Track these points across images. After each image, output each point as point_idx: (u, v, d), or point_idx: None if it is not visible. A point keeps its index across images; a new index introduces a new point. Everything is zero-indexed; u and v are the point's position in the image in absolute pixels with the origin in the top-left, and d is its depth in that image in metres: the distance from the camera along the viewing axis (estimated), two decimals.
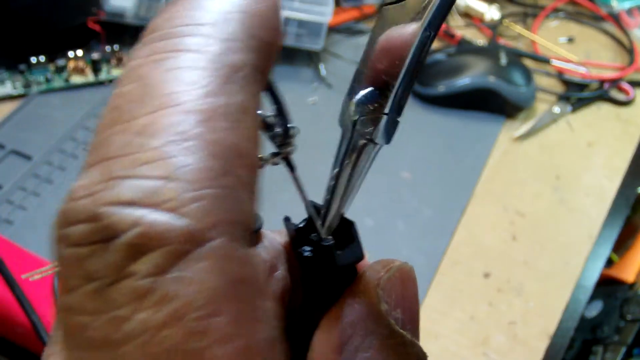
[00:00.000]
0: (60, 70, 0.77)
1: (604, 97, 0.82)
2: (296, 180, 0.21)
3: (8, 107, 0.74)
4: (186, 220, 0.14)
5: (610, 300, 0.69)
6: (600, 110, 0.81)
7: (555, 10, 0.93)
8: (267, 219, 0.20)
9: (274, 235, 0.22)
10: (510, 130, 0.77)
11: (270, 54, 0.17)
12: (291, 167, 0.21)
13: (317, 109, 0.75)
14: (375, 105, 0.19)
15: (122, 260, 0.14)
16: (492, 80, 0.77)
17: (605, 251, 0.68)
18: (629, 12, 0.92)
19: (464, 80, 0.77)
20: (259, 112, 0.17)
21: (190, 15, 0.16)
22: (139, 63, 0.16)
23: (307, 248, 0.21)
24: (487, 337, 0.60)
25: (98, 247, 0.14)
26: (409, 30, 0.18)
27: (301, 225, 0.22)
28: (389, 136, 0.19)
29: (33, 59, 0.76)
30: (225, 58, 0.16)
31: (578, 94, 0.81)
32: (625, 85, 0.83)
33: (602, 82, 0.83)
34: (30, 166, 0.69)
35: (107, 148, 0.15)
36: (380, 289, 0.19)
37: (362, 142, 0.20)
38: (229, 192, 0.15)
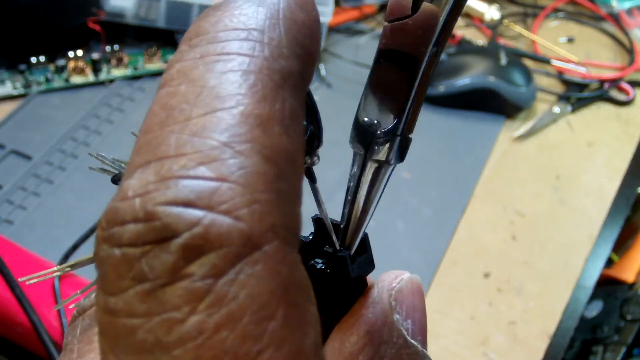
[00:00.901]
0: (60, 70, 0.77)
1: (604, 97, 0.82)
2: (316, 192, 0.21)
3: (8, 107, 0.74)
4: (243, 223, 0.14)
5: (610, 300, 0.69)
6: (600, 110, 0.81)
7: (555, 10, 0.93)
8: None
9: None
10: (510, 130, 0.77)
11: (313, 63, 0.17)
12: (312, 178, 0.21)
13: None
14: (387, 126, 0.19)
15: (179, 261, 0.14)
16: (492, 80, 0.77)
17: (605, 251, 0.68)
18: (629, 12, 0.92)
19: (464, 80, 0.77)
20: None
21: (238, 20, 0.16)
22: (190, 65, 0.16)
23: (319, 260, 0.21)
24: (487, 337, 0.60)
25: (153, 248, 0.14)
26: (415, 44, 0.18)
27: (311, 237, 0.22)
28: (402, 156, 0.20)
29: (33, 59, 0.76)
30: (276, 64, 0.16)
31: (578, 94, 0.81)
32: (625, 85, 0.83)
33: (602, 82, 0.83)
34: (30, 166, 0.69)
35: (161, 147, 0.15)
36: (393, 299, 0.19)
37: (375, 163, 0.20)
38: (282, 197, 0.15)
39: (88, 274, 0.58)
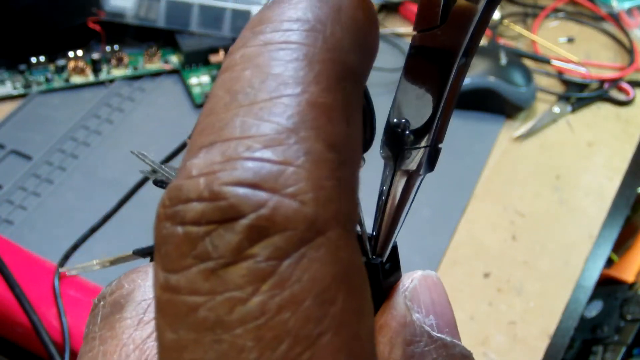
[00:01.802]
0: (60, 70, 0.77)
1: (604, 97, 0.82)
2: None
3: (8, 107, 0.74)
4: (308, 207, 0.14)
5: (610, 300, 0.69)
6: (600, 110, 0.81)
7: (555, 10, 0.93)
8: None
9: None
10: (510, 130, 0.77)
11: (371, 62, 0.18)
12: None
13: None
14: (417, 137, 0.19)
15: (244, 241, 0.14)
16: (492, 80, 0.77)
17: (605, 251, 0.68)
18: (629, 12, 0.92)
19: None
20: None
21: (301, 13, 0.17)
22: (255, 51, 0.16)
23: None
24: (487, 337, 0.60)
25: (217, 227, 0.14)
26: (444, 56, 0.18)
27: None
28: (432, 166, 0.20)
29: (33, 59, 0.76)
30: (339, 57, 0.16)
31: (578, 94, 0.81)
32: (625, 85, 0.83)
33: (602, 82, 0.83)
34: (30, 166, 0.69)
35: (226, 129, 0.15)
36: (408, 300, 0.20)
37: (406, 174, 0.20)
38: (344, 185, 0.15)
39: (88, 274, 0.58)
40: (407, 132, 0.20)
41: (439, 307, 0.20)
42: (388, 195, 0.21)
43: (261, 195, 0.14)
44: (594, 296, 0.66)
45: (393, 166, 0.20)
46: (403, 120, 0.20)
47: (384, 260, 0.21)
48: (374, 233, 0.21)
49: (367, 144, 0.20)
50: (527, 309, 0.62)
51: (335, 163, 0.15)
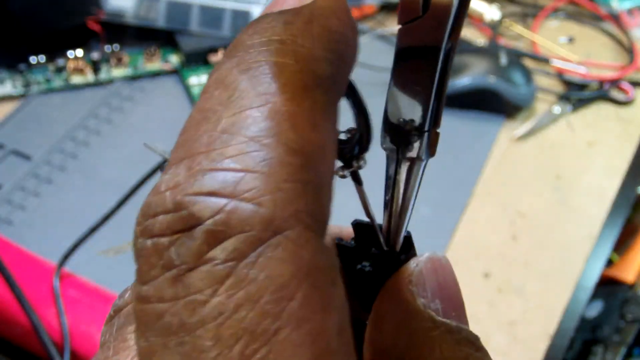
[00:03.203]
0: (60, 70, 0.77)
1: (604, 97, 0.82)
2: (362, 195, 0.21)
3: (8, 107, 0.74)
4: (265, 208, 0.14)
5: (611, 300, 0.69)
6: (600, 110, 0.81)
7: (555, 10, 0.93)
8: None
9: None
10: (510, 130, 0.77)
11: (347, 67, 0.18)
12: (359, 181, 0.21)
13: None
14: (414, 124, 0.20)
15: (203, 246, 0.14)
16: (492, 80, 0.77)
17: (605, 251, 0.68)
18: (629, 12, 0.92)
19: (464, 80, 0.77)
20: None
21: (273, 30, 0.17)
22: (225, 73, 0.17)
23: (366, 263, 0.21)
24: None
25: (180, 236, 0.15)
26: (430, 42, 0.19)
27: (355, 244, 0.22)
28: (432, 151, 0.20)
29: (33, 59, 0.76)
30: (306, 68, 0.17)
31: (578, 94, 0.81)
32: (625, 85, 0.83)
33: (602, 82, 0.83)
34: (30, 166, 0.69)
35: (193, 145, 0.16)
36: (412, 285, 0.20)
37: (408, 161, 0.20)
38: (307, 187, 0.15)
39: (89, 274, 0.58)
40: (405, 120, 0.20)
41: (445, 290, 0.20)
42: (394, 185, 0.21)
43: (219, 201, 0.15)
44: (594, 296, 0.66)
45: (396, 157, 0.21)
46: (402, 120, 0.20)
47: (398, 250, 0.21)
48: (386, 224, 0.22)
49: (365, 144, 0.20)
50: (527, 309, 0.62)
51: (297, 166, 0.15)
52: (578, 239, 0.68)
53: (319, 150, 0.16)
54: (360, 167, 0.20)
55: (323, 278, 0.15)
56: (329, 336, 0.14)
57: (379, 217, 0.22)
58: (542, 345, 0.60)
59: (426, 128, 0.20)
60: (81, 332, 0.54)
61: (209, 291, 0.14)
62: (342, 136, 0.20)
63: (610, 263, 0.73)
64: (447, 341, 0.19)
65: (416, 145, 0.20)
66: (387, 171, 0.21)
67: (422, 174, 0.21)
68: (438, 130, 0.20)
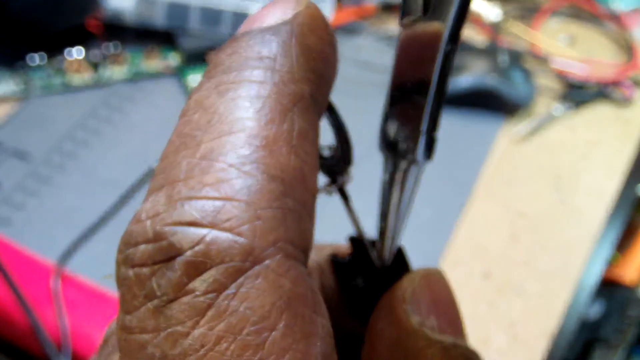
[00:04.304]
0: (60, 70, 0.77)
1: (604, 97, 0.82)
2: (350, 210, 0.21)
3: (8, 107, 0.74)
4: (244, 238, 0.14)
5: (611, 300, 0.69)
6: (600, 110, 0.81)
7: (555, 10, 0.93)
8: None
9: None
10: (510, 130, 0.77)
11: (327, 85, 0.18)
12: (345, 197, 0.21)
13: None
14: (411, 127, 0.19)
15: (183, 277, 0.14)
16: (492, 81, 0.76)
17: (606, 251, 0.68)
18: (629, 12, 0.92)
19: (464, 81, 0.77)
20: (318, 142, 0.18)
21: (252, 50, 0.17)
22: (204, 95, 0.17)
23: (360, 280, 0.21)
24: (487, 337, 0.60)
25: (161, 266, 0.15)
26: (431, 45, 0.19)
27: (349, 259, 0.22)
28: (429, 153, 0.20)
29: (33, 59, 0.76)
30: (285, 88, 0.17)
31: (578, 94, 0.81)
32: (625, 85, 0.83)
33: (602, 82, 0.83)
34: (30, 166, 0.69)
35: (172, 172, 0.16)
36: (407, 304, 0.19)
37: (404, 164, 0.20)
38: (287, 213, 0.15)
39: (89, 274, 0.58)
40: (402, 126, 0.20)
41: (440, 305, 0.20)
42: (390, 191, 0.21)
43: (198, 232, 0.14)
44: (594, 296, 0.66)
45: (392, 161, 0.20)
46: (399, 122, 0.20)
47: (390, 264, 0.21)
48: (379, 237, 0.21)
49: (347, 158, 0.20)
50: (527, 309, 0.62)
51: (278, 193, 0.15)
52: (578, 239, 0.68)
53: (299, 175, 0.16)
54: (345, 182, 0.20)
55: (305, 306, 0.15)
56: None
57: (372, 230, 0.22)
58: (542, 345, 0.60)
59: (423, 130, 0.19)
60: (81, 332, 0.54)
61: (190, 323, 0.14)
62: (325, 152, 0.20)
63: (610, 263, 0.73)
64: (444, 359, 0.19)
65: (413, 149, 0.20)
66: (383, 177, 0.21)
67: (419, 179, 0.20)
68: (436, 134, 0.20)
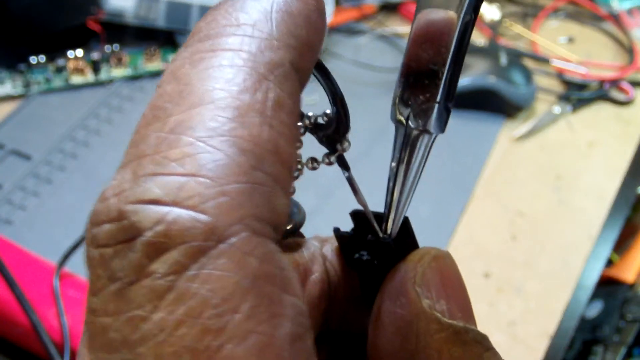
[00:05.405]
0: (60, 70, 0.77)
1: (604, 97, 0.82)
2: (351, 180, 0.21)
3: (8, 107, 0.74)
4: (207, 216, 0.14)
5: (611, 300, 0.69)
6: (600, 110, 0.81)
7: (555, 10, 0.93)
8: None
9: (312, 240, 0.22)
10: (510, 130, 0.77)
11: (311, 52, 0.17)
12: (346, 166, 0.20)
13: (317, 109, 0.75)
14: (426, 95, 0.19)
15: (143, 259, 0.14)
16: (492, 80, 0.76)
17: (605, 251, 0.68)
18: (629, 12, 0.92)
19: (464, 80, 0.77)
20: (309, 113, 0.18)
21: (231, 17, 0.16)
22: (179, 64, 0.16)
23: (364, 252, 0.21)
24: None
25: (123, 247, 0.14)
26: (450, 15, 0.18)
27: (353, 231, 0.21)
28: (442, 124, 0.19)
29: (33, 59, 0.76)
30: (262, 56, 0.16)
31: (578, 94, 0.81)
32: (625, 85, 0.83)
33: (602, 82, 0.83)
34: (30, 166, 0.69)
35: (140, 147, 0.15)
36: (417, 286, 0.19)
37: (415, 133, 0.19)
38: (256, 188, 0.14)
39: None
40: (416, 94, 0.19)
41: (450, 289, 0.19)
42: (399, 161, 0.20)
43: (160, 210, 0.14)
44: (594, 296, 0.66)
45: (404, 129, 0.20)
46: (414, 107, 0.19)
47: (395, 236, 0.20)
48: (386, 209, 0.21)
49: (345, 125, 0.19)
50: (527, 309, 0.62)
51: (247, 166, 0.14)
52: (578, 239, 0.68)
53: (271, 147, 0.15)
54: (344, 150, 0.20)
55: (272, 285, 0.14)
56: (279, 347, 0.14)
57: (375, 206, 0.21)
58: (542, 345, 0.60)
59: (438, 99, 0.19)
60: (81, 332, 0.54)
61: (150, 307, 0.13)
62: (320, 120, 0.19)
63: (610, 263, 0.73)
64: (455, 343, 0.18)
65: (426, 118, 0.19)
66: (394, 146, 0.20)
67: (430, 149, 0.20)
68: (450, 106, 0.19)
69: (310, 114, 0.19)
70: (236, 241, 0.14)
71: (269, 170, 0.15)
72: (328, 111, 0.19)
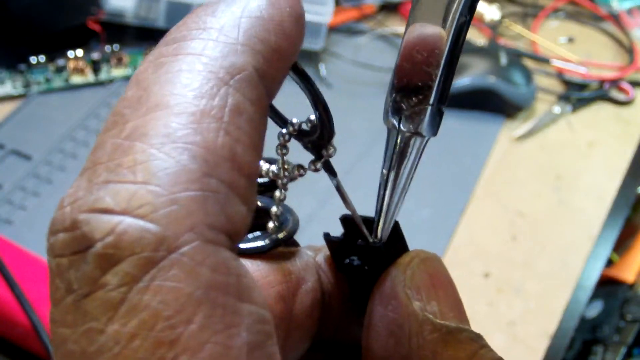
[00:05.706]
0: (60, 70, 0.77)
1: (604, 97, 0.82)
2: (339, 186, 0.21)
3: (8, 107, 0.74)
4: (156, 225, 0.13)
5: (611, 300, 0.69)
6: (600, 110, 0.81)
7: (555, 10, 0.93)
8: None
9: (306, 250, 0.21)
10: (510, 130, 0.77)
11: (281, 59, 0.17)
12: (333, 172, 0.20)
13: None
14: (419, 97, 0.19)
15: (96, 270, 0.14)
16: (492, 80, 0.76)
17: (605, 251, 0.68)
18: (629, 12, 0.92)
19: (464, 80, 0.77)
20: (293, 119, 0.17)
21: (199, 21, 0.16)
22: (142, 69, 0.16)
23: (355, 257, 0.21)
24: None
25: (77, 257, 0.14)
26: (444, 18, 0.18)
27: (343, 236, 0.21)
28: (435, 127, 0.19)
29: (33, 59, 0.76)
30: (223, 61, 0.15)
31: (578, 94, 0.81)
32: (625, 85, 0.83)
33: (602, 82, 0.83)
34: (30, 166, 0.69)
35: (97, 154, 0.15)
36: (407, 289, 0.19)
37: (407, 136, 0.19)
38: (208, 196, 0.14)
39: None
40: (407, 96, 0.19)
41: (440, 290, 0.19)
42: (390, 164, 0.20)
43: (111, 219, 0.14)
44: (594, 296, 0.66)
45: (396, 132, 0.20)
46: (406, 109, 0.19)
47: (385, 240, 0.20)
48: (376, 214, 0.21)
49: (329, 131, 0.19)
50: (527, 309, 0.62)
51: (199, 174, 0.14)
52: (578, 239, 0.68)
53: (227, 153, 0.15)
54: (330, 156, 0.20)
55: (226, 294, 0.14)
56: (235, 357, 0.13)
57: (365, 210, 0.21)
58: (542, 345, 0.60)
59: (431, 101, 0.19)
60: None
61: (104, 319, 0.13)
62: (304, 127, 0.19)
63: (610, 263, 0.73)
64: (449, 343, 0.18)
65: (418, 121, 0.19)
66: (385, 150, 0.20)
67: (422, 153, 0.20)
68: (443, 109, 0.19)
69: (294, 120, 0.19)
70: (187, 250, 0.14)
71: (224, 177, 0.15)
72: (312, 117, 0.19)
